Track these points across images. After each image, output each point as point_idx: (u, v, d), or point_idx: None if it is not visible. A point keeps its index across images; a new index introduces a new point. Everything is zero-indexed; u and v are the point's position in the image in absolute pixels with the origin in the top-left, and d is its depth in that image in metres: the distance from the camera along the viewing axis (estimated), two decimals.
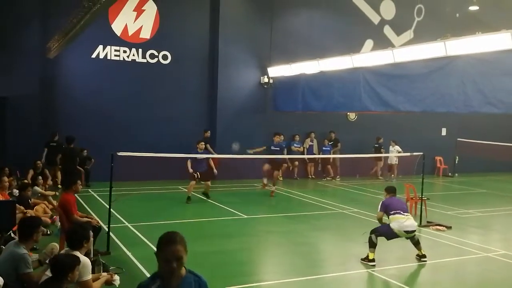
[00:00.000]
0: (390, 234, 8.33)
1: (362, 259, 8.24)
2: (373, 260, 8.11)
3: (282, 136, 15.43)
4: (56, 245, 5.66)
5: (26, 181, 11.41)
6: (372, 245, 8.22)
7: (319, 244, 9.99)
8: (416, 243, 8.50)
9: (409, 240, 8.46)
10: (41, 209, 10.39)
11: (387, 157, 19.53)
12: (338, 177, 19.36)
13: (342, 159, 18.99)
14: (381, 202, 8.71)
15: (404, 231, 8.21)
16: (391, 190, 8.88)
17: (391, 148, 19.58)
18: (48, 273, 5.07)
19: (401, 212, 8.29)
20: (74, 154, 14.48)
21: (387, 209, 8.48)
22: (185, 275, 3.17)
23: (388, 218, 8.42)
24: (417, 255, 8.49)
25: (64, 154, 14.42)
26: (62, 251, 5.31)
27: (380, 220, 8.74)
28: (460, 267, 8.65)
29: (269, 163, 15.00)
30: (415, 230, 8.35)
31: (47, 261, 5.50)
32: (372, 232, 8.36)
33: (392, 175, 19.84)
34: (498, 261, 8.80)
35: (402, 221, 8.19)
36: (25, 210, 9.09)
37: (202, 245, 9.33)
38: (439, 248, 9.64)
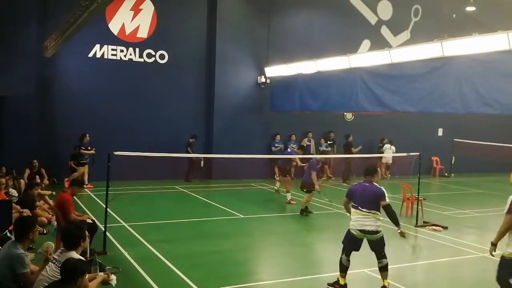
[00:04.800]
0: (347, 240, 6.97)
1: (329, 284, 7.11)
2: (344, 286, 6.99)
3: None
4: (51, 244, 5.63)
5: (35, 180, 11.34)
6: (341, 267, 7.01)
7: (315, 244, 10.00)
8: (383, 268, 6.93)
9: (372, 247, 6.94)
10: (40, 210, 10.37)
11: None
12: (332, 177, 19.39)
13: (340, 159, 18.98)
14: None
15: (359, 230, 6.80)
16: (368, 172, 7.15)
17: (388, 147, 19.70)
18: (45, 273, 5.05)
19: (359, 208, 6.83)
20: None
21: (351, 196, 7.11)
22: None
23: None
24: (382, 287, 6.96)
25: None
26: (58, 251, 5.29)
27: (346, 207, 7.30)
28: (456, 267, 8.68)
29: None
30: (377, 232, 6.79)
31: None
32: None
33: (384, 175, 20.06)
34: (494, 261, 8.78)
35: (359, 218, 6.81)
36: (22, 210, 9.06)
37: (199, 245, 9.35)
38: (435, 248, 9.67)
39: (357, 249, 7.00)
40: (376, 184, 7.03)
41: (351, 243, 6.97)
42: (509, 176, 10.73)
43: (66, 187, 8.53)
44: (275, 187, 15.36)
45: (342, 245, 7.08)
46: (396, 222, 6.83)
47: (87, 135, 15.27)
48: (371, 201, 6.84)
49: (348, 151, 18.80)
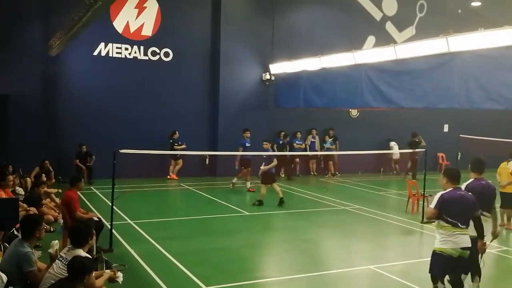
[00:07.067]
0: (440, 265, 5.75)
1: None
2: None
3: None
4: (57, 242, 5.67)
5: (42, 179, 11.36)
6: None
7: (321, 240, 9.99)
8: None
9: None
10: (46, 208, 10.41)
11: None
12: (338, 173, 19.36)
13: (345, 155, 18.93)
14: (439, 194, 5.69)
15: (461, 247, 5.59)
16: (454, 177, 5.78)
17: (393, 144, 19.74)
18: (52, 270, 5.08)
19: (460, 225, 5.57)
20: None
21: (443, 210, 5.59)
22: None
23: (439, 226, 5.69)
24: None
25: None
26: (65, 249, 5.32)
27: (430, 220, 5.91)
28: None
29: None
30: (470, 248, 5.69)
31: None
32: (432, 278, 5.95)
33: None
34: (500, 257, 8.81)
35: (459, 235, 5.59)
36: (28, 208, 9.10)
37: (205, 242, 9.37)
38: None
39: (457, 271, 5.81)
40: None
41: (446, 266, 5.73)
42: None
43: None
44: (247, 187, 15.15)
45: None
46: (482, 235, 5.87)
47: (177, 132, 16.63)
48: (471, 215, 5.73)
49: (414, 149, 18.54)
